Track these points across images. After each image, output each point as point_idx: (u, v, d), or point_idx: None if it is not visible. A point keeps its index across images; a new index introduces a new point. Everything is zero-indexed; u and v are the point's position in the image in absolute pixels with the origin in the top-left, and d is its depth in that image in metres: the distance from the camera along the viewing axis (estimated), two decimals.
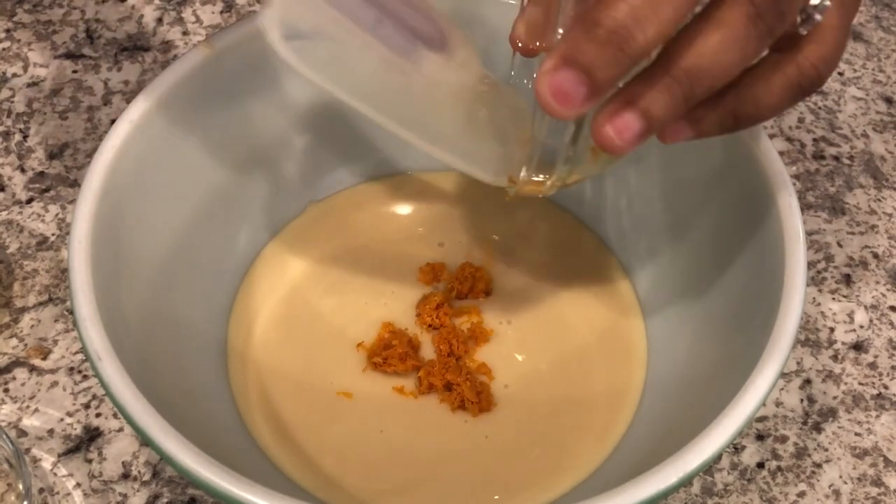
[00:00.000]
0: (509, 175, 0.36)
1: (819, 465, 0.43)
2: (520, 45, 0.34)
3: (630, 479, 0.30)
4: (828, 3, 0.30)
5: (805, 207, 0.52)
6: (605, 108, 0.29)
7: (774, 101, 0.31)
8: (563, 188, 0.36)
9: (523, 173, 0.35)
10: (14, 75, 0.55)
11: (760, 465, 0.43)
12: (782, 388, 0.45)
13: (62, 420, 0.43)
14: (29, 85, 0.55)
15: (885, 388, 0.45)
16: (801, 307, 0.34)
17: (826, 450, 0.43)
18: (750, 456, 0.43)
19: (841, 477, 0.43)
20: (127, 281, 0.37)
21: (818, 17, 0.30)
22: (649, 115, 0.29)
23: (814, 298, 0.48)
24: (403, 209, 0.49)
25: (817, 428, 0.44)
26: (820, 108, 0.57)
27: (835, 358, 0.46)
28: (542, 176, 0.35)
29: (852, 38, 0.60)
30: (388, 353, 0.42)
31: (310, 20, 0.31)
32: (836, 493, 0.42)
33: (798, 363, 0.46)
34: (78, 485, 0.41)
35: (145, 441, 0.31)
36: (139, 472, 0.41)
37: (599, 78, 0.27)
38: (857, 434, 0.44)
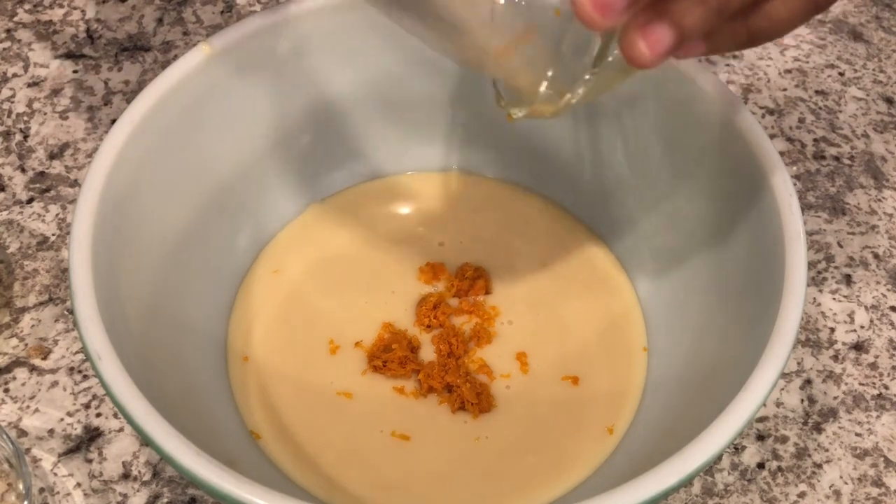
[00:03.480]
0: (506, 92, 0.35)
1: (819, 466, 0.43)
2: None
3: (630, 479, 0.30)
4: None
5: (805, 207, 0.52)
6: (637, 20, 0.28)
7: (789, 15, 0.31)
8: (575, 106, 0.35)
9: (542, 90, 0.34)
10: (14, 75, 0.55)
11: (761, 466, 0.43)
12: (783, 389, 0.45)
13: (62, 420, 0.43)
14: (29, 85, 0.55)
15: (886, 388, 0.45)
16: (801, 307, 0.34)
17: (826, 450, 0.43)
18: (750, 456, 0.43)
19: (841, 477, 0.43)
20: (127, 281, 0.37)
21: None
22: (682, 29, 0.28)
23: (814, 298, 0.48)
24: (403, 209, 0.49)
25: (818, 428, 0.44)
26: (820, 108, 0.57)
27: (835, 358, 0.46)
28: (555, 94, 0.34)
29: (853, 38, 0.60)
30: (388, 356, 0.42)
31: None
32: (837, 494, 0.42)
33: (798, 363, 0.46)
34: (78, 485, 0.41)
35: (145, 441, 0.31)
36: (139, 471, 0.41)
37: None
38: (857, 434, 0.44)
